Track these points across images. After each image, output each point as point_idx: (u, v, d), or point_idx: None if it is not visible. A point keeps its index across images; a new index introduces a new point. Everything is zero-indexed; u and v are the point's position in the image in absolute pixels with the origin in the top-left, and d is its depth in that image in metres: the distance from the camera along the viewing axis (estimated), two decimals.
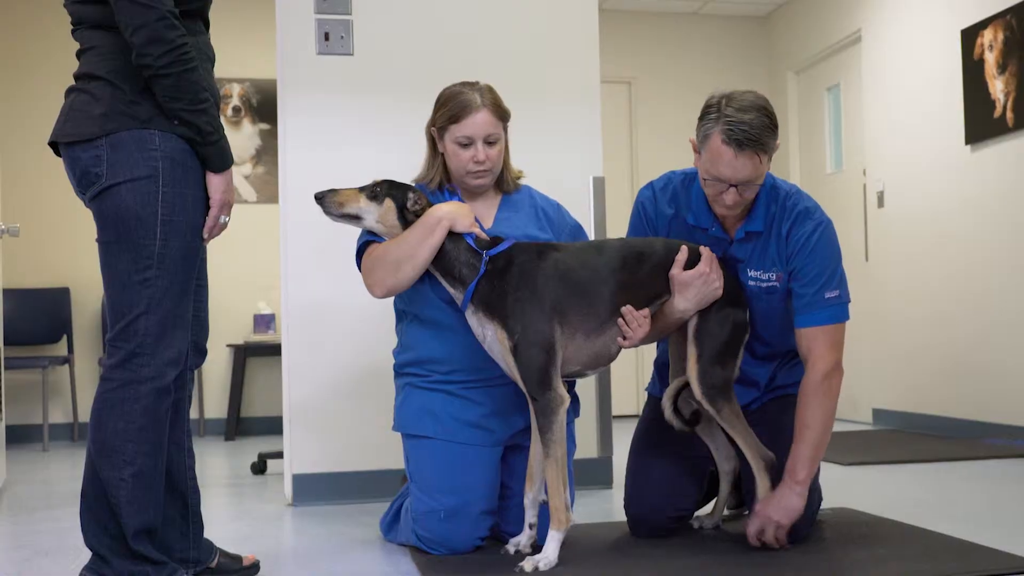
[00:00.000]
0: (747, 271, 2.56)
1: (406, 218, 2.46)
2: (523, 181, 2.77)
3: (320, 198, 2.46)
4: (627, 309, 2.44)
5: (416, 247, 2.42)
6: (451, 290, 2.47)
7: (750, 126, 2.35)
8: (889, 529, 2.75)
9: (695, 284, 2.45)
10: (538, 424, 2.37)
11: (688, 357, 2.48)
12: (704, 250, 2.50)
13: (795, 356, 2.70)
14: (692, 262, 2.48)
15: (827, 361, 2.46)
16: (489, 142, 2.57)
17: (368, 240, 2.55)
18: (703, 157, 2.45)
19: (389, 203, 2.46)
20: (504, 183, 2.70)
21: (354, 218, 2.48)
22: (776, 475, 2.49)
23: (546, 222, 2.72)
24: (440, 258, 2.43)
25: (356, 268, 2.61)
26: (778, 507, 2.44)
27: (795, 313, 2.52)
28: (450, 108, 2.57)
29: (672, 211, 2.65)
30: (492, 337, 2.40)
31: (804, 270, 2.50)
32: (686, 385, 2.59)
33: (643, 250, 2.51)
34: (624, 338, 2.46)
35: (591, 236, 3.41)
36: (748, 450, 2.50)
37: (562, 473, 2.37)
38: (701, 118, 2.45)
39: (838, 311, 2.50)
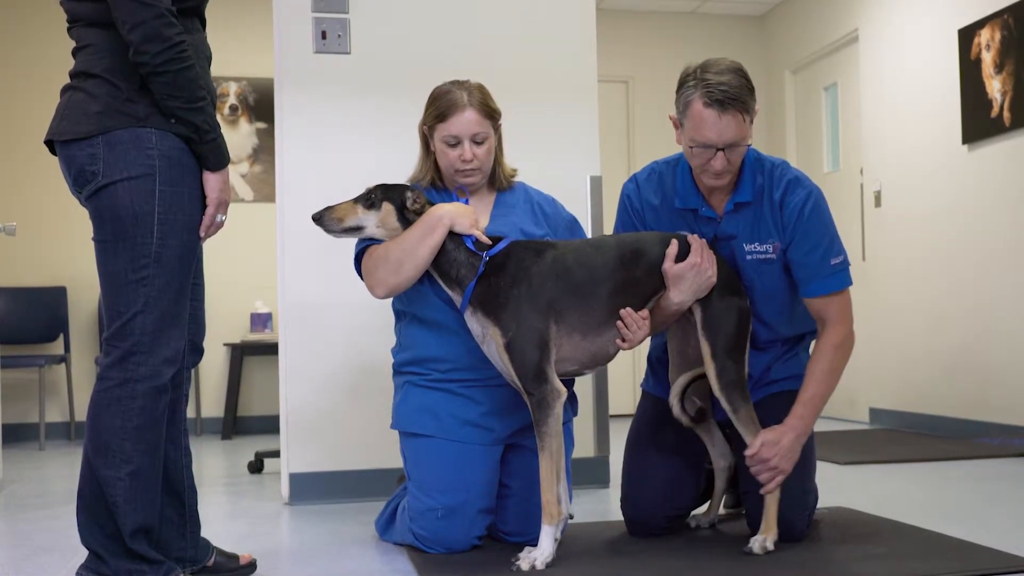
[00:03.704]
0: (743, 245, 2.57)
1: (406, 218, 2.46)
2: (518, 179, 2.77)
3: (318, 218, 2.46)
4: (626, 312, 2.43)
5: (416, 246, 2.42)
6: (449, 292, 2.47)
7: (729, 86, 2.39)
8: (885, 528, 2.76)
9: (688, 276, 2.46)
10: (534, 417, 2.37)
11: (703, 354, 2.48)
12: (694, 239, 2.50)
13: (794, 345, 2.70)
14: (684, 253, 2.49)
15: (844, 326, 2.51)
16: (476, 141, 2.57)
17: (367, 244, 2.55)
18: (686, 127, 2.46)
19: (388, 206, 2.46)
20: (497, 181, 2.70)
21: (356, 230, 2.47)
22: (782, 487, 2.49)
23: (542, 217, 2.72)
24: (440, 258, 2.43)
25: (355, 271, 2.60)
26: (781, 453, 2.41)
27: (801, 283, 2.54)
28: (437, 107, 2.58)
29: (658, 200, 2.65)
30: (490, 337, 2.40)
31: (804, 238, 2.52)
32: (691, 382, 2.59)
33: (639, 247, 2.51)
34: (623, 340, 2.46)
35: (588, 235, 3.41)
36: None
37: (556, 466, 2.37)
38: (679, 89, 2.47)
39: (844, 276, 2.53)
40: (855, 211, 6.07)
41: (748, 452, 2.43)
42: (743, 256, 2.58)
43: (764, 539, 2.43)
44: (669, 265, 2.47)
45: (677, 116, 2.50)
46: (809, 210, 2.52)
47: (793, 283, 2.60)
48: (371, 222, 2.47)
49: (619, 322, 2.45)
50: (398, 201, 2.47)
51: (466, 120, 2.55)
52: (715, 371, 2.46)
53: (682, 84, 2.46)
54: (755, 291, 2.59)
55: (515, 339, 2.36)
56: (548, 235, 2.67)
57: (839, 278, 2.52)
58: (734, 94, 2.39)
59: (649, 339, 2.74)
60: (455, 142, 2.56)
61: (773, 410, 2.63)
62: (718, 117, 2.39)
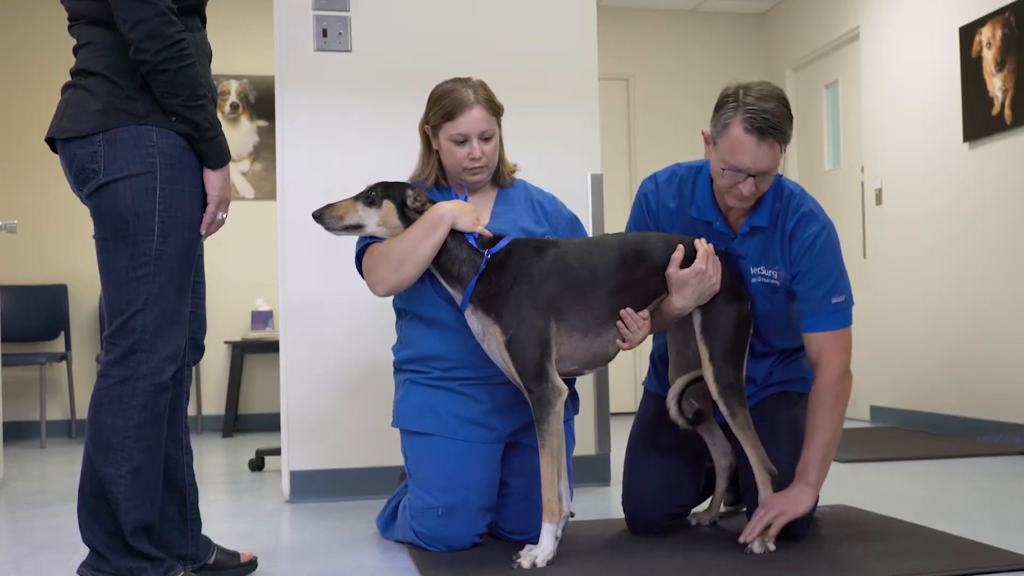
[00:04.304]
0: (749, 267, 2.56)
1: (407, 216, 2.46)
2: (519, 175, 2.76)
3: (318, 216, 2.45)
4: (626, 312, 2.43)
5: (418, 244, 2.42)
6: (450, 290, 2.47)
7: (772, 114, 2.35)
8: (886, 526, 2.76)
9: (692, 283, 2.45)
10: (535, 415, 2.37)
11: (701, 357, 2.48)
12: (700, 245, 2.48)
13: (792, 353, 2.70)
14: (689, 258, 2.48)
15: (838, 365, 2.47)
16: (484, 138, 2.57)
17: (368, 243, 2.55)
18: (720, 147, 2.42)
19: (388, 204, 2.46)
20: (500, 177, 2.70)
21: (356, 228, 2.47)
22: (778, 487, 2.48)
23: (542, 215, 2.71)
24: (441, 256, 2.43)
25: (356, 269, 2.60)
26: (786, 498, 2.42)
27: (802, 317, 2.52)
28: (443, 106, 2.56)
29: (675, 205, 2.64)
30: (490, 335, 2.40)
31: (810, 274, 2.50)
32: (689, 384, 2.59)
33: (641, 248, 2.50)
34: (623, 340, 2.46)
35: (589, 233, 3.41)
36: (754, 461, 2.49)
37: (557, 464, 2.37)
38: (718, 108, 2.42)
39: (845, 316, 2.51)
40: (856, 209, 6.07)
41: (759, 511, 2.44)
42: (748, 278, 2.56)
43: (763, 539, 2.43)
44: (674, 270, 2.45)
45: (711, 134, 2.45)
46: (819, 246, 2.49)
47: (791, 307, 2.60)
48: (372, 220, 2.46)
49: (619, 322, 2.44)
50: (399, 199, 2.46)
51: (474, 118, 2.54)
52: (712, 375, 2.46)
53: (722, 104, 2.41)
54: (755, 312, 2.57)
55: (515, 337, 2.36)
56: (549, 233, 2.67)
57: (838, 317, 2.50)
58: (775, 123, 2.35)
59: (651, 338, 2.74)
60: (463, 140, 2.56)
61: (774, 410, 2.63)
62: (756, 144, 2.36)
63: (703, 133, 2.50)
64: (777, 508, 2.41)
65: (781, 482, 2.49)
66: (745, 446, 2.49)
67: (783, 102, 2.40)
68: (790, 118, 2.40)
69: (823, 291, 2.49)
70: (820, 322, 2.49)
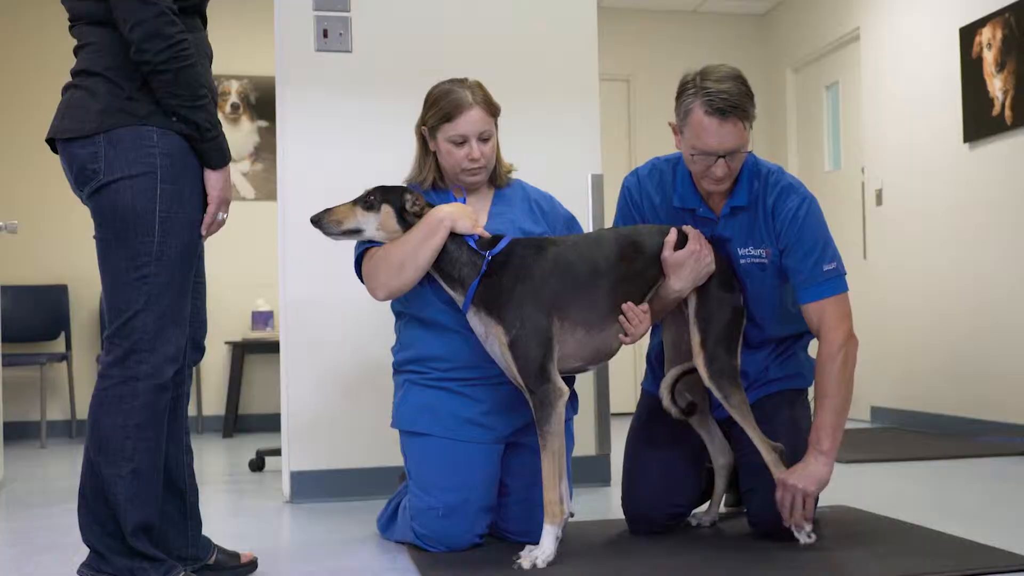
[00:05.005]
0: (737, 249, 2.58)
1: (406, 220, 2.46)
2: (516, 175, 2.77)
3: (317, 221, 2.45)
4: (628, 306, 2.44)
5: (418, 248, 2.42)
6: (451, 292, 2.47)
7: (730, 94, 2.40)
8: (887, 527, 2.76)
9: (688, 263, 2.47)
10: (536, 416, 2.37)
11: (693, 343, 2.49)
12: (690, 229, 2.53)
13: (788, 346, 2.70)
14: (681, 243, 2.50)
15: (841, 331, 2.48)
16: (483, 139, 2.57)
17: (367, 247, 2.55)
18: (686, 134, 2.47)
19: (387, 209, 2.46)
20: (497, 178, 2.70)
21: (355, 232, 2.47)
22: (788, 464, 2.48)
23: (540, 214, 2.72)
24: (441, 259, 2.43)
25: (356, 274, 2.59)
26: (803, 475, 2.41)
27: (796, 290, 2.54)
28: (442, 107, 2.56)
29: (659, 199, 2.67)
30: (493, 336, 2.40)
31: (796, 245, 2.52)
32: (682, 375, 2.59)
33: (637, 239, 2.52)
34: (625, 334, 2.47)
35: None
36: (757, 441, 2.49)
37: (558, 466, 2.37)
38: (679, 96, 2.48)
39: (839, 282, 2.52)
40: (856, 209, 6.07)
41: (778, 491, 2.44)
42: (736, 259, 2.59)
43: (806, 528, 2.44)
44: (669, 253, 2.48)
45: (677, 123, 2.50)
46: (802, 217, 2.52)
47: (784, 287, 2.61)
48: (370, 225, 2.46)
49: (621, 317, 2.45)
50: (397, 203, 2.46)
51: (473, 119, 2.55)
52: (704, 360, 2.47)
53: (682, 92, 2.47)
54: (747, 294, 2.59)
55: (518, 337, 2.36)
56: (546, 232, 2.67)
57: (832, 284, 2.51)
58: (735, 102, 2.39)
59: (649, 337, 2.74)
60: (462, 140, 2.56)
61: (773, 411, 2.63)
62: (719, 125, 2.40)
63: (670, 124, 2.54)
64: (798, 488, 2.40)
65: None
66: (745, 427, 2.49)
67: (741, 81, 2.44)
68: (750, 95, 2.44)
69: (812, 260, 2.51)
70: (815, 291, 2.51)
